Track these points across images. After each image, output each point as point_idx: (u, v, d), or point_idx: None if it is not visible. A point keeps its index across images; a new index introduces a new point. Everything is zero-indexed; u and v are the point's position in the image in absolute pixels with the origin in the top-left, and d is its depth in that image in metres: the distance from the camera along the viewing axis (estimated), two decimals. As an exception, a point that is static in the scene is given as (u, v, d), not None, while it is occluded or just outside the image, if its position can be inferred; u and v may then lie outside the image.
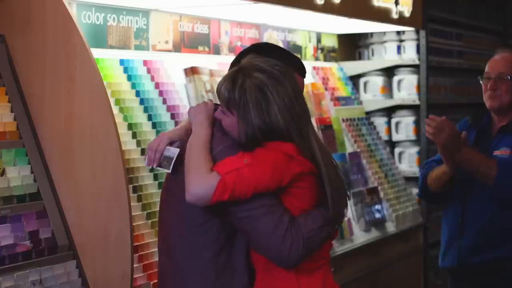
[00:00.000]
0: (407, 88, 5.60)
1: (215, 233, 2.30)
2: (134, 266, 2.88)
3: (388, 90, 5.68)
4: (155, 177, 3.40)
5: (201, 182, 2.21)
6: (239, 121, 2.26)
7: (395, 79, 5.65)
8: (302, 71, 2.52)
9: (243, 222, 2.24)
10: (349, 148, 5.07)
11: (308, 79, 4.88)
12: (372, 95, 5.66)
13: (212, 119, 2.37)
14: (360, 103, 5.58)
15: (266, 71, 2.27)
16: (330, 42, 5.57)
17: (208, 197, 2.20)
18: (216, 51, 4.40)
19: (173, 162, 2.35)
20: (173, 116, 3.69)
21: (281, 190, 2.27)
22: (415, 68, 5.60)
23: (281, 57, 2.40)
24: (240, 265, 2.33)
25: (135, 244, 2.93)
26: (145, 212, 3.26)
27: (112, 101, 3.36)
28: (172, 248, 2.35)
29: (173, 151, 2.36)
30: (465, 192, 3.48)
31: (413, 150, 5.62)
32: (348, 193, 2.50)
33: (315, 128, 4.71)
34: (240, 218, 2.24)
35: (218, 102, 2.41)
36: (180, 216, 2.33)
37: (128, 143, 3.36)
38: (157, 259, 3.07)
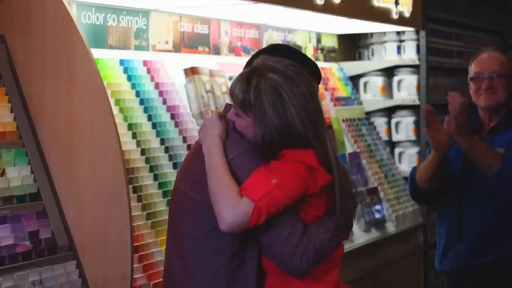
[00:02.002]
0: (407, 88, 5.60)
1: (229, 238, 2.27)
2: (134, 266, 2.88)
3: (388, 90, 5.68)
4: (155, 178, 3.40)
5: (234, 211, 2.17)
6: (255, 123, 2.23)
7: (395, 79, 5.65)
8: (317, 77, 2.50)
9: (257, 229, 2.23)
10: (349, 148, 5.08)
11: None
12: (372, 95, 5.66)
13: (222, 132, 2.30)
14: (360, 103, 5.58)
15: (280, 71, 2.25)
16: (330, 42, 5.57)
17: (244, 224, 2.17)
18: (216, 51, 4.40)
19: None
20: (173, 117, 3.69)
21: (300, 199, 2.26)
22: (415, 68, 5.60)
23: (298, 61, 2.36)
24: (252, 270, 2.31)
25: (135, 245, 2.93)
26: (145, 213, 3.26)
27: (112, 101, 3.36)
28: (185, 250, 2.33)
29: None
30: (461, 194, 3.44)
31: (413, 150, 5.62)
32: (355, 196, 2.47)
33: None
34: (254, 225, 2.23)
35: (224, 102, 2.40)
36: (195, 219, 2.31)
37: (128, 143, 3.36)
38: (157, 259, 3.09)
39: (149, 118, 3.56)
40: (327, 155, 2.27)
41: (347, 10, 4.48)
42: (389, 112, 5.72)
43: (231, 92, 2.29)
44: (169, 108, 3.71)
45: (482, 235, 3.38)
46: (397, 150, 5.69)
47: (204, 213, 2.27)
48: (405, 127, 5.62)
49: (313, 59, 5.24)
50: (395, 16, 5.02)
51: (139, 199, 3.28)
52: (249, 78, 2.25)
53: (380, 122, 5.67)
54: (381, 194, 5.00)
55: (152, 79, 3.74)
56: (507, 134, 3.38)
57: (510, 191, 3.27)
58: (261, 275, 2.33)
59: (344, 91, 5.46)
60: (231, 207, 2.17)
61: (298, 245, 2.20)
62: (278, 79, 2.23)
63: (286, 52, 2.45)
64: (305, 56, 2.53)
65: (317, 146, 2.25)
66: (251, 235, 2.27)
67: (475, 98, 3.47)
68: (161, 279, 2.48)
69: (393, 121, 5.69)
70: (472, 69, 3.50)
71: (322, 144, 2.27)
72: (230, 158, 2.26)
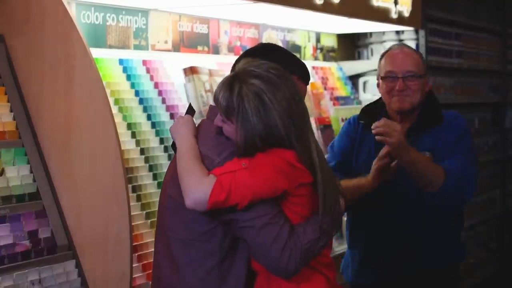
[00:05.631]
0: (406, 88, 5.60)
1: (219, 240, 2.28)
2: (133, 265, 2.88)
3: (387, 90, 5.68)
4: (154, 177, 3.40)
5: (198, 185, 2.18)
6: (238, 129, 2.22)
7: (395, 79, 5.65)
8: (305, 79, 2.49)
9: (243, 232, 2.22)
10: (349, 147, 5.07)
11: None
12: (372, 95, 5.65)
13: (194, 130, 2.36)
14: (359, 102, 5.58)
15: (262, 76, 2.23)
16: (330, 42, 5.57)
17: (205, 199, 2.17)
18: (216, 51, 4.40)
19: None
20: (172, 116, 3.69)
21: (282, 197, 2.24)
22: (414, 67, 5.59)
23: (285, 63, 2.36)
24: (243, 270, 2.32)
25: (134, 244, 2.93)
26: (144, 212, 3.26)
27: (111, 100, 3.36)
28: (174, 253, 2.33)
29: None
30: (382, 203, 3.15)
31: (412, 149, 5.61)
32: (343, 199, 2.44)
33: (314, 128, 4.71)
34: (241, 227, 2.22)
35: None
36: (184, 223, 2.31)
37: (127, 142, 3.36)
38: (156, 259, 3.09)
39: (148, 117, 3.57)
40: (310, 156, 2.27)
41: (347, 9, 4.47)
42: (389, 111, 5.71)
43: (215, 100, 2.29)
44: (168, 108, 3.71)
45: (406, 246, 3.15)
46: (396, 150, 5.67)
47: (193, 216, 2.27)
48: (404, 126, 5.61)
49: (312, 58, 5.29)
50: (394, 15, 5.02)
51: (138, 198, 3.28)
52: (231, 84, 2.25)
53: (379, 121, 5.67)
54: (381, 194, 4.99)
55: (151, 78, 3.74)
56: (430, 138, 3.15)
57: (453, 204, 3.11)
58: (252, 275, 2.33)
59: (343, 90, 5.46)
60: (196, 182, 2.19)
61: (285, 247, 2.19)
62: (260, 85, 2.22)
63: (274, 53, 2.45)
64: (293, 56, 2.52)
65: (299, 148, 2.24)
66: (240, 237, 2.26)
67: (386, 99, 3.19)
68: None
69: (392, 120, 5.68)
70: (383, 66, 3.19)
71: (305, 145, 2.26)
72: (217, 161, 2.27)
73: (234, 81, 2.25)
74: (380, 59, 3.23)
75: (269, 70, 2.25)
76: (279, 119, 2.21)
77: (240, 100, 2.22)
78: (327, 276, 2.35)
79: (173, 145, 2.43)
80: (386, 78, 3.17)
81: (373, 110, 3.27)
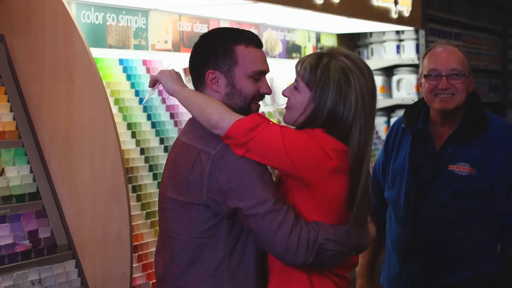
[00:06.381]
0: (406, 88, 5.60)
1: (225, 235, 2.28)
2: (134, 265, 2.88)
3: (387, 89, 5.69)
4: (154, 177, 3.41)
5: (231, 112, 2.23)
6: (312, 98, 2.26)
7: (394, 78, 5.65)
8: (257, 42, 2.43)
9: (249, 221, 2.21)
10: (349, 147, 5.07)
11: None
12: (371, 95, 5.66)
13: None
14: (359, 102, 5.58)
15: (352, 58, 2.30)
16: (330, 41, 5.57)
17: (232, 121, 2.18)
18: (216, 50, 4.39)
19: None
20: (172, 116, 3.69)
21: (309, 186, 2.22)
22: (414, 67, 5.60)
23: (232, 33, 2.40)
24: (252, 266, 2.31)
25: (134, 244, 2.93)
26: (145, 212, 3.26)
27: (111, 100, 3.36)
28: (181, 254, 2.32)
29: None
30: (412, 211, 3.04)
31: (412, 149, 5.61)
32: (373, 225, 2.45)
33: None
34: (245, 216, 2.21)
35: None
36: (188, 222, 2.30)
37: (127, 142, 3.36)
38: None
39: (149, 117, 3.57)
40: (362, 161, 2.27)
41: (347, 9, 4.48)
42: (388, 111, 5.72)
43: (298, 66, 2.31)
44: (168, 108, 3.71)
45: (438, 255, 3.02)
46: (396, 150, 5.67)
47: (196, 214, 2.26)
48: (404, 126, 5.60)
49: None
50: (394, 15, 5.02)
51: (138, 198, 3.28)
52: (321, 56, 2.30)
53: (379, 121, 5.67)
54: (381, 194, 4.99)
55: (152, 78, 3.73)
56: (473, 149, 2.99)
57: None
58: (264, 271, 2.33)
59: (343, 90, 5.46)
60: (227, 114, 2.23)
61: (292, 232, 2.17)
62: (349, 64, 2.28)
63: (217, 31, 2.50)
64: (236, 28, 2.51)
65: (356, 145, 2.25)
66: (247, 228, 2.26)
67: (429, 98, 3.05)
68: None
69: (392, 120, 5.68)
70: (426, 65, 3.08)
71: (362, 146, 2.28)
72: (213, 154, 2.26)
73: (324, 55, 2.30)
74: (423, 57, 3.13)
75: (359, 58, 2.34)
76: (355, 101, 2.25)
77: (325, 70, 2.26)
78: (339, 284, 2.34)
79: None
80: (429, 76, 3.04)
81: (413, 112, 3.15)
